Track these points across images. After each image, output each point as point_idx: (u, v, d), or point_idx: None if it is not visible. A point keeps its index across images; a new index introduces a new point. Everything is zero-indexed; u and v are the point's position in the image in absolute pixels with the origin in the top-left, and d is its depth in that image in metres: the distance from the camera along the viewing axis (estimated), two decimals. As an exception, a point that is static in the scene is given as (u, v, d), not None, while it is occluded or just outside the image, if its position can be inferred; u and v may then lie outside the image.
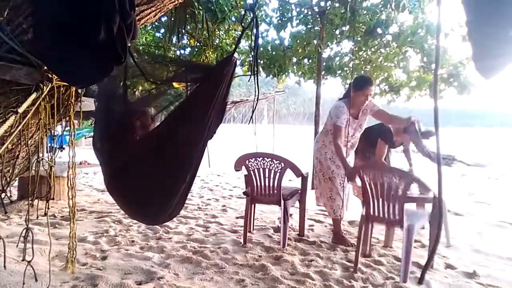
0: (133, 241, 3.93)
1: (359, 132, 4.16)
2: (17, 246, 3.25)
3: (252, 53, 7.07)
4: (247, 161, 3.99)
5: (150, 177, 1.92)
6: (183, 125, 1.82)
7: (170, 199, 1.97)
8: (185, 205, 5.60)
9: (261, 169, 3.95)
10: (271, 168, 3.91)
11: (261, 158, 3.96)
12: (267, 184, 3.95)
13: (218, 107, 1.81)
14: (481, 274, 3.26)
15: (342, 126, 3.87)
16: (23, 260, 2.14)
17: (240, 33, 7.64)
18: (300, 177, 4.19)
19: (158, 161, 1.87)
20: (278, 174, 3.88)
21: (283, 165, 3.87)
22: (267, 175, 3.93)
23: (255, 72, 1.98)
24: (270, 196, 3.97)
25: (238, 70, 9.61)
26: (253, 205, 4.31)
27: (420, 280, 3.01)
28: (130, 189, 2.01)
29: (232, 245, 3.87)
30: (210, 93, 1.77)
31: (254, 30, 1.86)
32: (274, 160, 3.91)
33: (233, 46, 7.35)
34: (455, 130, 64.36)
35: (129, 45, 1.74)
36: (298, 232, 4.33)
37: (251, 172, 3.99)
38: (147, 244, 3.85)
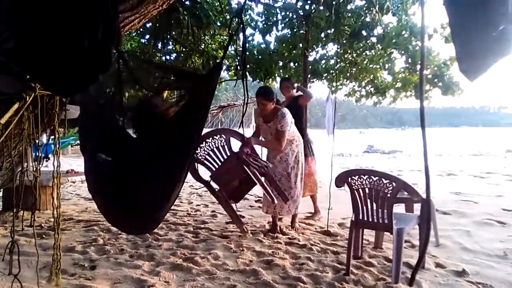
0: (122, 249, 3.88)
1: (272, 135, 4.50)
2: (2, 259, 3.19)
3: (239, 58, 7.07)
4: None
5: (140, 184, 1.89)
6: (175, 134, 1.80)
7: (158, 207, 1.94)
8: (174, 211, 5.60)
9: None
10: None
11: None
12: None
13: (204, 115, 1.80)
14: (470, 272, 3.29)
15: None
16: (9, 274, 2.10)
17: (226, 37, 7.65)
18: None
19: (151, 168, 1.84)
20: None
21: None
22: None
23: (244, 77, 1.98)
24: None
25: (225, 74, 9.59)
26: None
27: (410, 282, 3.01)
28: (119, 194, 1.97)
29: (222, 251, 3.85)
30: (199, 102, 1.75)
31: (241, 36, 1.86)
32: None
33: (219, 51, 7.35)
34: (437, 130, 65.08)
35: (114, 52, 1.72)
36: (289, 236, 4.32)
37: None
38: (136, 252, 3.80)
